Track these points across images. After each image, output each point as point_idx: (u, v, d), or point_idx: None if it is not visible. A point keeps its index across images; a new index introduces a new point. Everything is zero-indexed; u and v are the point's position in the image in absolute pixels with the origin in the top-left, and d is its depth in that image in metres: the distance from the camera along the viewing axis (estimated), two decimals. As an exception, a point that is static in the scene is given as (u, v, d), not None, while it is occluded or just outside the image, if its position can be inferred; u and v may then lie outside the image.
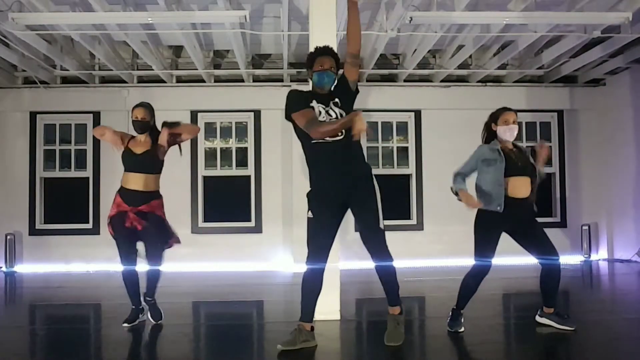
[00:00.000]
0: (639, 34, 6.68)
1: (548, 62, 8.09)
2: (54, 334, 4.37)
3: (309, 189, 3.72)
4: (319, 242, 3.61)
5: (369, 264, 3.67)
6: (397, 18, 6.16)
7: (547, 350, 3.63)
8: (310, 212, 3.57)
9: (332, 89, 3.73)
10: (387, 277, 3.66)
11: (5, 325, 4.79)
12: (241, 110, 8.72)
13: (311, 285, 3.62)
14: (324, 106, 3.63)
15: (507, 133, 4.04)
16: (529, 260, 4.12)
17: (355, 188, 3.57)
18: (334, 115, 3.61)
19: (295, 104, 3.64)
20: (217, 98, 8.64)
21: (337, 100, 3.67)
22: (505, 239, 4.06)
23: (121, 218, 4.36)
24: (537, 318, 4.25)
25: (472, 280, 4.07)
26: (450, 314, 4.13)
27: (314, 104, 3.63)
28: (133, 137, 4.55)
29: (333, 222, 3.64)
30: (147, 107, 4.53)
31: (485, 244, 4.02)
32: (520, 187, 3.98)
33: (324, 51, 3.74)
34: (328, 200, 3.58)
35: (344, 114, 3.60)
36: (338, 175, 3.55)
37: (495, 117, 4.12)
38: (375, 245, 3.56)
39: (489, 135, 4.18)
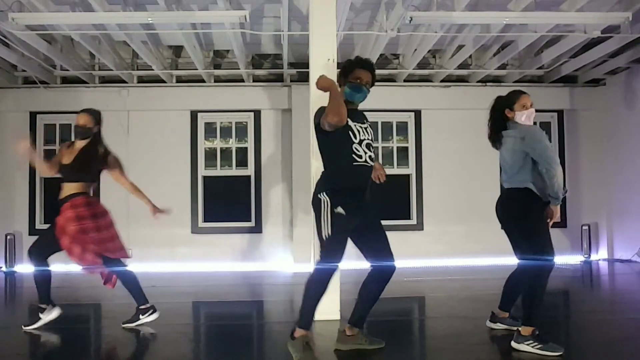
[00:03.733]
0: (639, 34, 6.68)
1: (548, 62, 8.09)
2: (54, 334, 4.37)
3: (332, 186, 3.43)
4: (343, 242, 3.35)
5: (368, 263, 3.63)
6: (397, 18, 6.16)
7: (547, 350, 3.62)
8: (340, 208, 3.31)
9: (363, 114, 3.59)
10: (378, 291, 3.53)
11: (5, 325, 4.79)
12: (241, 110, 8.72)
13: (320, 288, 3.32)
14: (361, 124, 3.47)
15: (529, 117, 3.68)
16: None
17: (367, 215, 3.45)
18: (370, 137, 3.48)
19: None
20: (217, 98, 8.64)
21: (369, 125, 3.55)
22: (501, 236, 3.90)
23: None
24: (488, 323, 4.10)
25: (544, 280, 3.55)
26: (531, 338, 3.48)
27: (349, 122, 3.36)
28: (72, 142, 4.50)
29: (351, 230, 3.41)
30: (92, 113, 4.40)
31: (548, 235, 3.60)
32: None
33: (365, 64, 3.51)
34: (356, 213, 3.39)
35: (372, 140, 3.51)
36: (362, 206, 3.42)
37: (510, 102, 3.74)
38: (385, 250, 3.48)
39: (500, 122, 3.80)
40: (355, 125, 3.41)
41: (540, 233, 3.57)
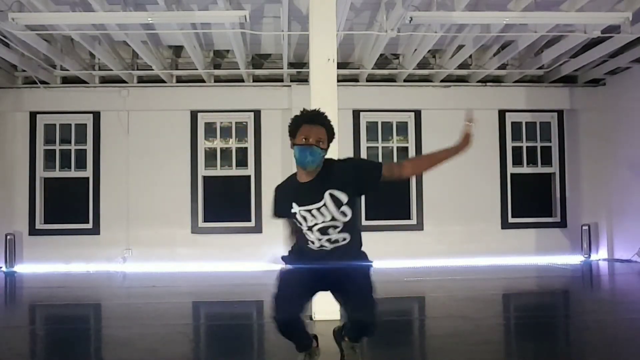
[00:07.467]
0: (639, 34, 6.68)
1: (548, 62, 8.09)
2: (54, 334, 4.37)
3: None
4: (295, 291, 2.91)
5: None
6: (397, 18, 6.16)
7: (547, 350, 3.62)
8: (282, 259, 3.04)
9: (327, 172, 2.79)
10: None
11: (5, 325, 4.79)
12: (241, 110, 8.72)
13: (295, 326, 2.88)
14: (308, 206, 2.75)
15: None
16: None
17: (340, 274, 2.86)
18: (328, 217, 2.74)
19: (279, 206, 2.98)
20: (217, 98, 8.65)
21: (336, 192, 2.74)
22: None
23: None
24: None
25: None
26: None
27: (294, 208, 2.78)
28: None
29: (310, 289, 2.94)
30: None
31: None
32: None
33: (312, 118, 2.79)
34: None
35: (347, 212, 2.74)
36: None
37: None
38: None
39: None
40: (300, 210, 2.77)
41: None
